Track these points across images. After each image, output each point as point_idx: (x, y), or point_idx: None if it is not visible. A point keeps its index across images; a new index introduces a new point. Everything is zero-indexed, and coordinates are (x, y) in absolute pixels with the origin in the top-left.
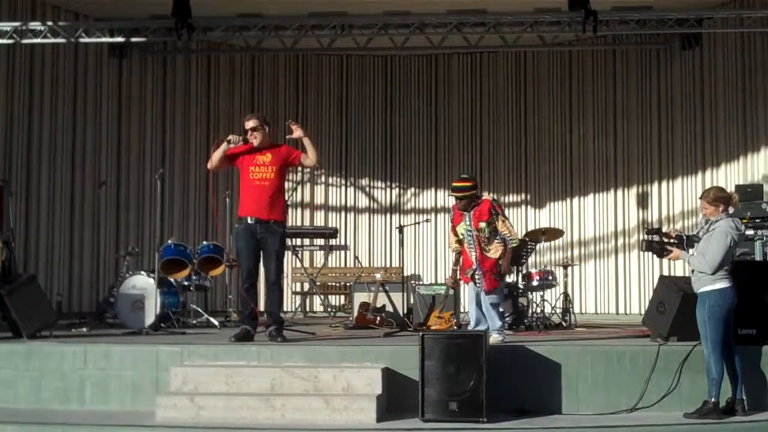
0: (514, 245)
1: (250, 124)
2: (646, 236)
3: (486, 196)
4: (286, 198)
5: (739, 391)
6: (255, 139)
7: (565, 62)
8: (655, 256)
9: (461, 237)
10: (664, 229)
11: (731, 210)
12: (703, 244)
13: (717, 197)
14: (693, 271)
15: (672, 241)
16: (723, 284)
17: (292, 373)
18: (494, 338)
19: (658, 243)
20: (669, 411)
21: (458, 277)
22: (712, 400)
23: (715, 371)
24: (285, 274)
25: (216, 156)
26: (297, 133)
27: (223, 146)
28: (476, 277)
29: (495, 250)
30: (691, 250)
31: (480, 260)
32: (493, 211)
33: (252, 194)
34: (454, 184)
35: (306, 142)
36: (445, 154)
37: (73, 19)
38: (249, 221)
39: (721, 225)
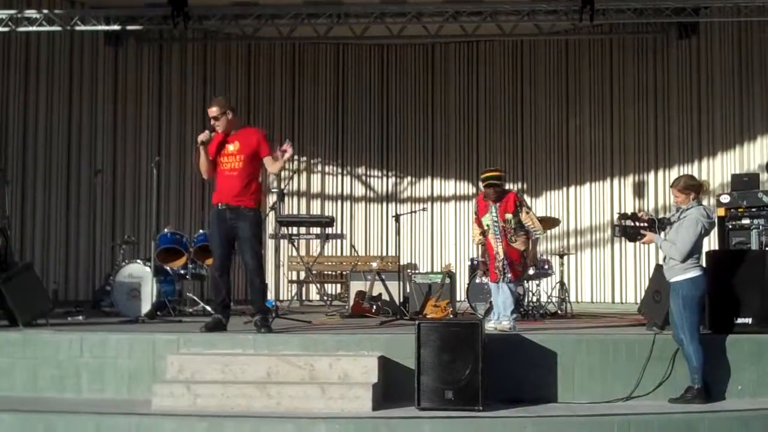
0: (538, 236)
1: (212, 112)
2: (618, 221)
3: (511, 190)
4: (282, 187)
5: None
6: (218, 127)
7: (562, 51)
8: (629, 241)
9: (486, 228)
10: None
11: (703, 198)
12: (674, 232)
13: (687, 185)
14: (665, 259)
15: (643, 224)
16: (694, 273)
17: (288, 362)
18: (504, 325)
19: (631, 227)
20: (664, 399)
21: (486, 271)
22: (696, 386)
23: (695, 359)
24: (282, 263)
25: (203, 165)
26: (288, 154)
27: (202, 151)
28: (502, 266)
29: (521, 242)
30: (662, 233)
31: (506, 251)
32: (518, 203)
33: (222, 183)
34: (488, 174)
35: (281, 160)
36: (441, 143)
37: (68, 7)
38: (219, 207)
39: (692, 213)
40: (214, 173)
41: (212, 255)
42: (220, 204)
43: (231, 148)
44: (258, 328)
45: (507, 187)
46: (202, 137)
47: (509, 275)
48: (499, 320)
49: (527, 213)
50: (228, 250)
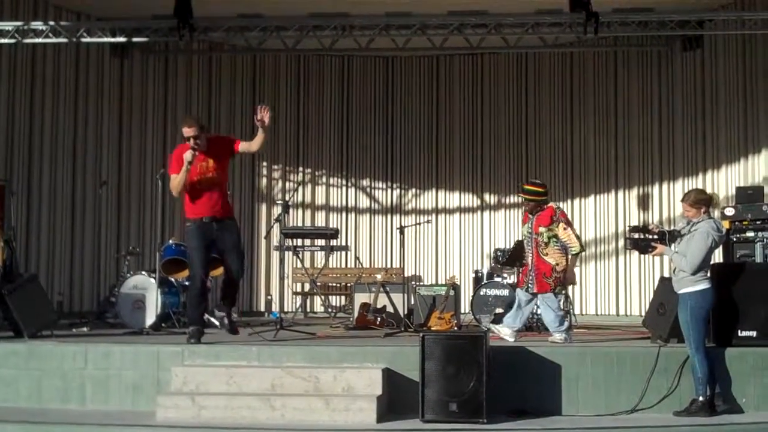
0: (574, 252)
1: (191, 132)
2: (629, 234)
3: (552, 204)
4: (287, 199)
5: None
6: (199, 146)
7: (566, 64)
8: (639, 253)
9: (522, 238)
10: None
11: (713, 211)
12: (685, 245)
13: (698, 199)
14: (674, 271)
15: (654, 237)
16: (703, 285)
17: (292, 374)
18: (556, 337)
19: (642, 240)
20: (669, 413)
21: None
22: (700, 398)
23: (701, 370)
24: (287, 275)
25: (181, 184)
26: (266, 121)
27: (185, 168)
28: (529, 277)
29: (552, 256)
30: (673, 245)
31: (535, 262)
32: (554, 218)
33: (201, 197)
34: (525, 186)
35: (261, 133)
36: (446, 155)
37: (74, 19)
38: (204, 220)
39: (703, 226)
40: (184, 190)
41: (194, 268)
42: (204, 217)
43: (206, 165)
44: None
45: (551, 203)
46: (189, 157)
47: (533, 286)
48: (513, 325)
49: (564, 229)
50: (210, 261)
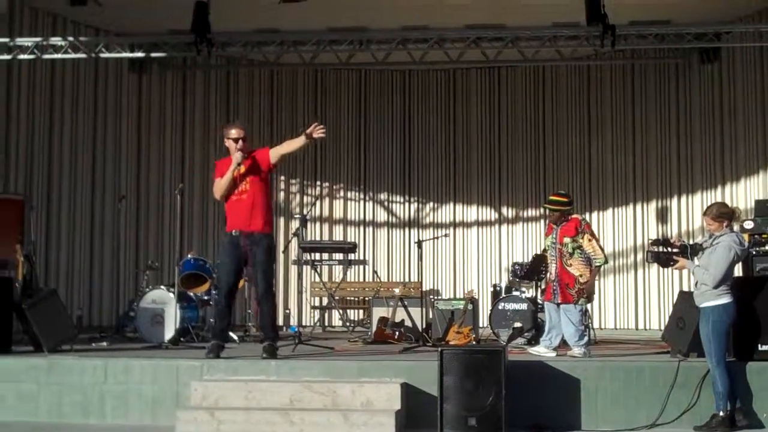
0: (598, 264)
1: (240, 132)
2: (651, 247)
3: (577, 215)
4: (305, 213)
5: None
6: (243, 150)
7: (584, 77)
8: (661, 267)
9: (546, 248)
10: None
11: (735, 225)
12: (707, 258)
13: (720, 213)
14: (696, 284)
15: (676, 250)
16: (725, 299)
17: (311, 388)
18: (575, 351)
19: (664, 253)
20: (688, 427)
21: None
22: (721, 413)
23: (721, 384)
24: (305, 289)
25: (226, 180)
26: (313, 137)
27: (234, 168)
28: (552, 287)
29: (576, 267)
30: (695, 259)
31: (559, 273)
32: (579, 229)
33: (234, 209)
34: (550, 197)
35: (301, 139)
36: (463, 169)
37: (93, 35)
38: (233, 234)
39: (725, 239)
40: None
41: (220, 282)
42: (233, 231)
43: (240, 171)
44: (262, 352)
45: (576, 214)
46: (239, 158)
47: (558, 296)
48: (551, 345)
49: (589, 240)
50: (238, 277)
